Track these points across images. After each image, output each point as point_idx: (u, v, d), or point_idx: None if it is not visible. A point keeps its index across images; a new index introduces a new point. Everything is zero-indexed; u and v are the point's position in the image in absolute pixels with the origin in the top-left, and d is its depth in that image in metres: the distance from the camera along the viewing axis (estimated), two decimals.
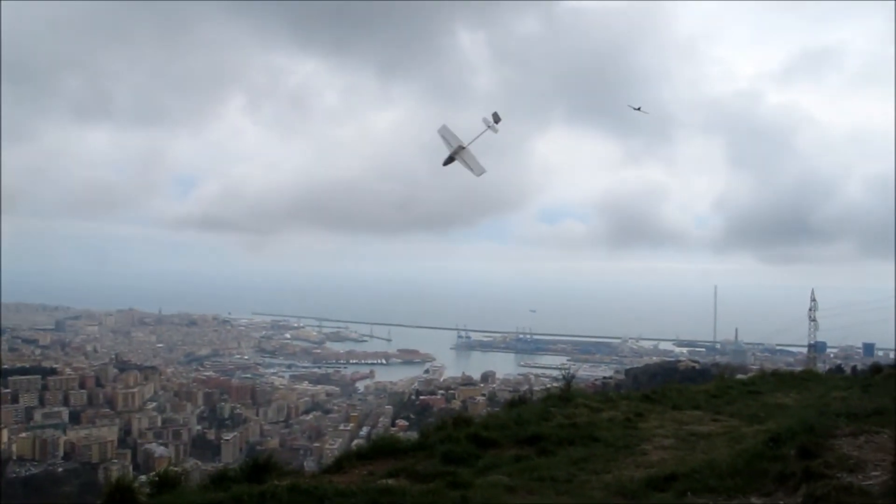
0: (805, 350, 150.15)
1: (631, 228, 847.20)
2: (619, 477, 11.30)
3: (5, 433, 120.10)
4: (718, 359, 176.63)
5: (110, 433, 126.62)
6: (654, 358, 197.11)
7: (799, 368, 45.03)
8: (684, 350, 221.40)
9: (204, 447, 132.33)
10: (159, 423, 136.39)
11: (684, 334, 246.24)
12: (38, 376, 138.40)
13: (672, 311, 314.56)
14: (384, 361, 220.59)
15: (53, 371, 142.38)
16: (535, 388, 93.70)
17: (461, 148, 30.01)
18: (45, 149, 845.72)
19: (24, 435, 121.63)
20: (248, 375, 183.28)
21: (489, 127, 30.10)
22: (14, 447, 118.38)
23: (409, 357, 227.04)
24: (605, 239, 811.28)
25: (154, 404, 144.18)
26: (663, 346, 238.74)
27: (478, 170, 29.87)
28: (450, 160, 30.24)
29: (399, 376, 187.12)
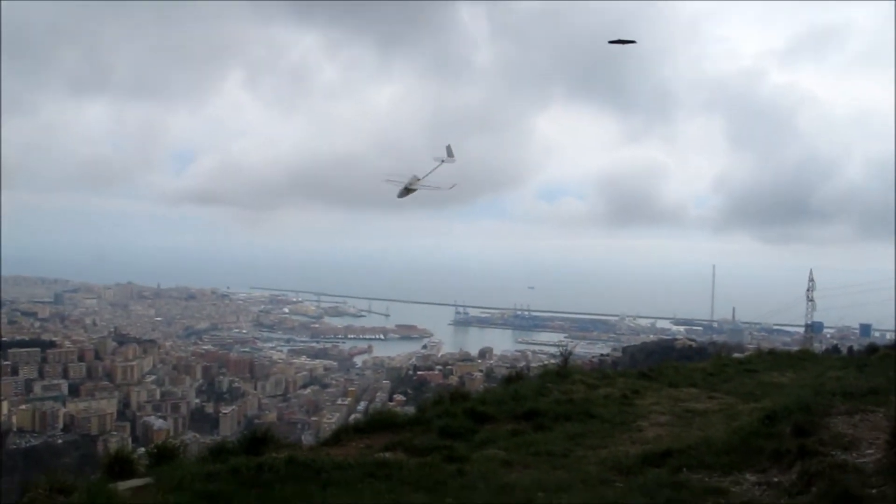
0: (802, 330, 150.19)
1: (630, 207, 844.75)
2: (615, 452, 11.38)
3: (5, 405, 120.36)
4: (715, 337, 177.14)
5: (109, 406, 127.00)
6: (651, 336, 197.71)
7: (795, 348, 45.16)
8: (681, 328, 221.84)
9: (202, 420, 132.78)
10: (158, 397, 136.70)
11: (682, 313, 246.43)
12: (38, 349, 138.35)
13: (670, 290, 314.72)
14: (382, 337, 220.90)
15: (53, 344, 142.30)
16: (533, 364, 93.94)
17: (416, 179, 30.74)
18: (42, 123, 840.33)
19: (23, 407, 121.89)
20: (247, 349, 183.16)
21: (443, 161, 30.95)
22: (14, 419, 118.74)
23: (407, 332, 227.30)
24: (604, 217, 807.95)
25: (153, 377, 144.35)
26: (660, 324, 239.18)
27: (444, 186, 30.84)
28: (406, 192, 31.06)
29: (397, 351, 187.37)
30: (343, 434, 13.27)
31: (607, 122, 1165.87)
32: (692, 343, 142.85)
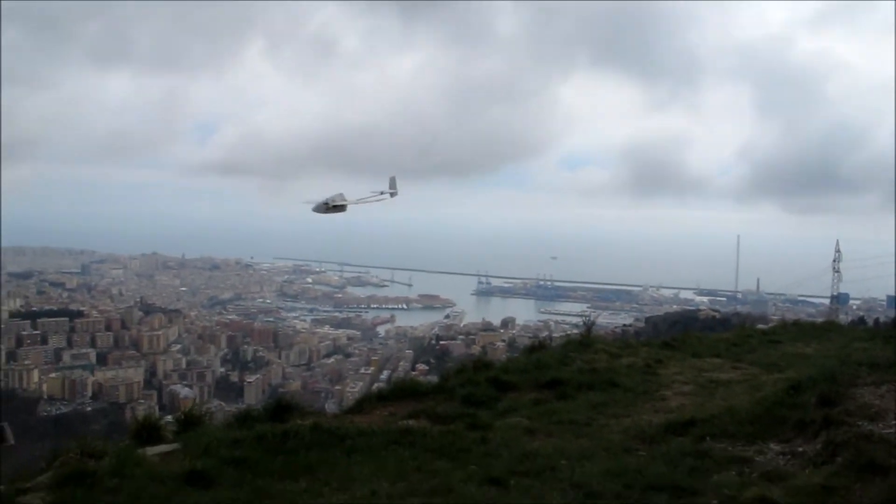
0: (827, 301, 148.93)
1: (654, 176, 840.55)
2: (638, 421, 11.39)
3: (36, 373, 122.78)
4: (739, 308, 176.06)
5: (136, 374, 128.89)
6: (675, 306, 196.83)
7: (820, 319, 44.78)
8: (705, 299, 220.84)
9: (227, 389, 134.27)
10: (184, 365, 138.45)
11: (705, 283, 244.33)
12: (66, 318, 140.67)
13: (693, 260, 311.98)
14: (405, 306, 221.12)
15: (80, 314, 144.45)
16: (555, 334, 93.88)
17: (342, 197, 30.87)
18: (66, 95, 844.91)
19: (53, 375, 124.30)
20: (271, 319, 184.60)
21: (383, 193, 31.42)
22: (45, 387, 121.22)
23: (430, 302, 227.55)
24: (627, 186, 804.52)
25: (178, 346, 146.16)
26: (684, 294, 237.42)
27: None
28: (326, 208, 31.78)
29: (419, 321, 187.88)
30: (367, 402, 13.38)
31: (632, 89, 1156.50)
32: (716, 314, 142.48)
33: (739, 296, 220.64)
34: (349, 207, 33.19)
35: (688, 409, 12.12)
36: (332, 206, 32.09)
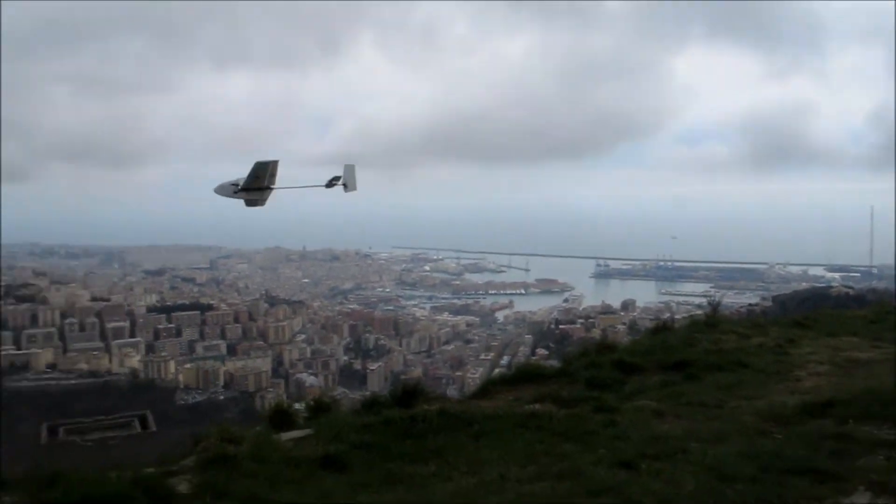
0: None
1: (777, 148, 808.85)
2: (772, 403, 10.97)
3: (172, 364, 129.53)
4: (875, 284, 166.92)
5: (264, 364, 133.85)
6: (804, 284, 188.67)
7: None
8: (836, 275, 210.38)
9: (351, 377, 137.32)
10: (308, 354, 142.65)
11: (837, 259, 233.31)
12: (197, 312, 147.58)
13: (823, 235, 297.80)
14: (523, 291, 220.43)
15: (210, 307, 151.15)
16: (678, 315, 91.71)
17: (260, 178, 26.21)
18: (189, 98, 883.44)
19: (188, 366, 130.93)
20: (391, 307, 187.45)
21: (333, 182, 26.82)
22: (181, 377, 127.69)
23: (548, 286, 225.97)
24: (749, 160, 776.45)
25: (303, 336, 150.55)
26: (813, 271, 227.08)
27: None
28: (235, 190, 26.97)
29: (538, 306, 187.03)
30: (491, 386, 13.44)
31: (750, 59, 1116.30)
32: (849, 290, 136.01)
33: (875, 271, 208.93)
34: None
35: (825, 389, 11.60)
36: (245, 189, 26.58)
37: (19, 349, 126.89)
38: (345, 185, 26.98)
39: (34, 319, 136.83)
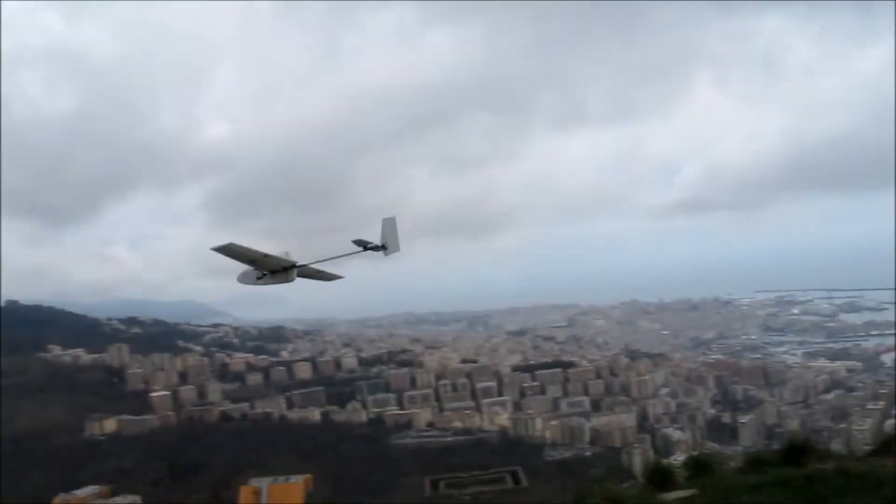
0: None
1: None
2: None
3: (539, 421, 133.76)
4: None
5: (628, 419, 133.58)
6: None
7: None
8: None
9: (719, 430, 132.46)
10: (673, 408, 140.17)
11: None
12: (560, 369, 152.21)
13: None
14: None
15: (572, 364, 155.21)
16: None
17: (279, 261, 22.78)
18: (534, 163, 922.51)
19: (553, 423, 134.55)
20: (757, 355, 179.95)
21: (368, 247, 21.22)
22: (547, 433, 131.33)
23: None
24: None
25: (666, 390, 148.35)
26: None
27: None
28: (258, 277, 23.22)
29: None
30: (893, 442, 11.62)
31: None
32: None
33: None
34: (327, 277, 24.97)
35: None
36: (269, 274, 23.53)
37: (402, 409, 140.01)
38: (384, 247, 22.15)
39: (413, 382, 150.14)
